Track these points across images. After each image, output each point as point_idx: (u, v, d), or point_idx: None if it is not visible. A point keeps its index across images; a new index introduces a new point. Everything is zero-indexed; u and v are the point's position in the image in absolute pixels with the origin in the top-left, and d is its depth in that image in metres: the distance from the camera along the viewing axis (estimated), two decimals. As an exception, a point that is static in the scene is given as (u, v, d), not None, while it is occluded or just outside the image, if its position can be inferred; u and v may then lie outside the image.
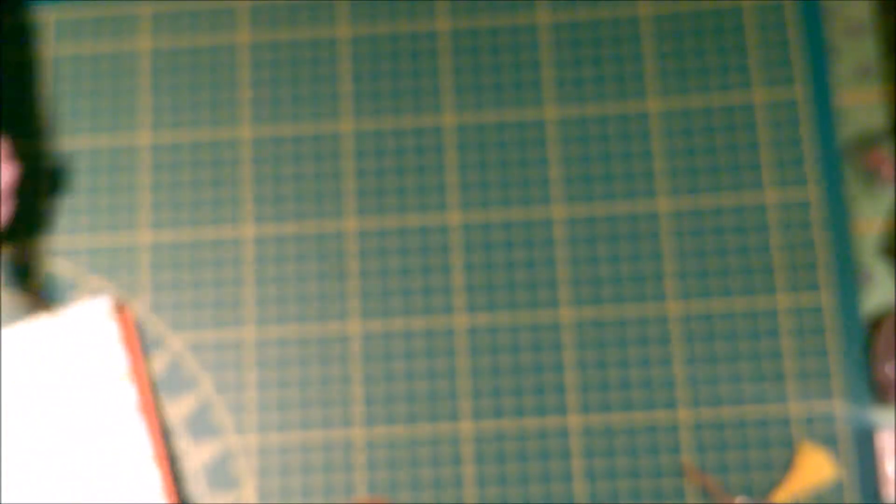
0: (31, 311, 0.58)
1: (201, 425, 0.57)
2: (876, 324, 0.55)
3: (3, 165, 0.53)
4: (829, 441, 0.54)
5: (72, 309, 0.58)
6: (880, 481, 0.53)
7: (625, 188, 0.58)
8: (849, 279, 0.56)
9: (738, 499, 0.53)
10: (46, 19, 0.62)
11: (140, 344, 0.58)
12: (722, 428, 0.55)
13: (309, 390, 0.57)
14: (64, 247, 0.59)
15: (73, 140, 0.60)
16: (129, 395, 0.56)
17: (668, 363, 0.56)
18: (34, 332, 0.57)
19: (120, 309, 0.58)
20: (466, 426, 0.56)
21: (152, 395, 0.57)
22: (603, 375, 0.56)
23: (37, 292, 0.58)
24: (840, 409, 0.54)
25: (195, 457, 0.56)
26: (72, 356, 0.57)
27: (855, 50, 0.59)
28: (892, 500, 0.52)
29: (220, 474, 0.56)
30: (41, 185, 0.60)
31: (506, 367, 0.56)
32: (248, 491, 0.56)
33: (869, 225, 0.57)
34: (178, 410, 0.57)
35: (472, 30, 0.61)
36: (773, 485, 0.54)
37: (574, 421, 0.55)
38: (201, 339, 0.58)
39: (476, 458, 0.55)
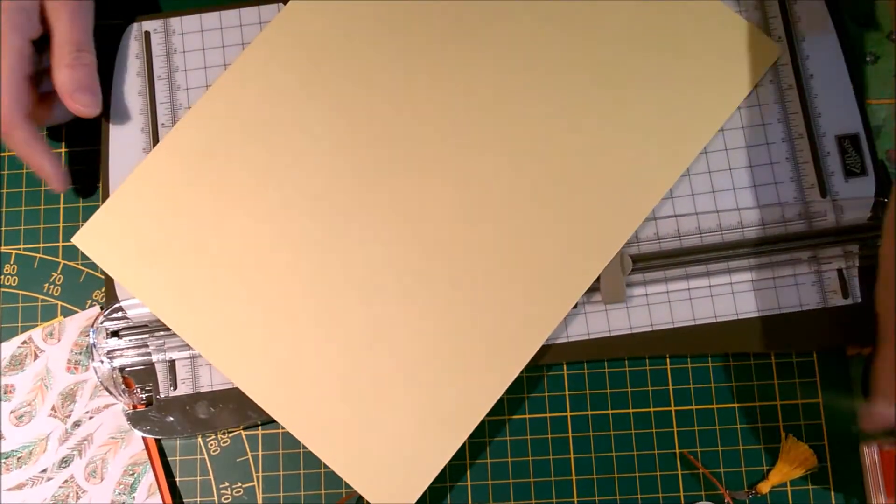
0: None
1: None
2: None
3: None
4: (813, 435, 0.56)
5: (81, 313, 0.59)
6: (863, 471, 0.55)
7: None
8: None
9: (729, 491, 0.55)
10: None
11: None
12: (713, 423, 0.57)
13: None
14: (75, 249, 0.60)
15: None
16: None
17: (662, 362, 0.58)
18: (40, 337, 0.58)
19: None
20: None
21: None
22: (599, 374, 0.58)
23: None
24: (824, 405, 0.57)
25: (201, 451, 0.58)
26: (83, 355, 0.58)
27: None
28: (873, 490, 0.55)
29: (226, 467, 0.57)
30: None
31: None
32: (254, 484, 0.57)
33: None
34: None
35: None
36: (761, 478, 0.56)
37: (570, 416, 0.57)
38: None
39: (478, 452, 0.57)
